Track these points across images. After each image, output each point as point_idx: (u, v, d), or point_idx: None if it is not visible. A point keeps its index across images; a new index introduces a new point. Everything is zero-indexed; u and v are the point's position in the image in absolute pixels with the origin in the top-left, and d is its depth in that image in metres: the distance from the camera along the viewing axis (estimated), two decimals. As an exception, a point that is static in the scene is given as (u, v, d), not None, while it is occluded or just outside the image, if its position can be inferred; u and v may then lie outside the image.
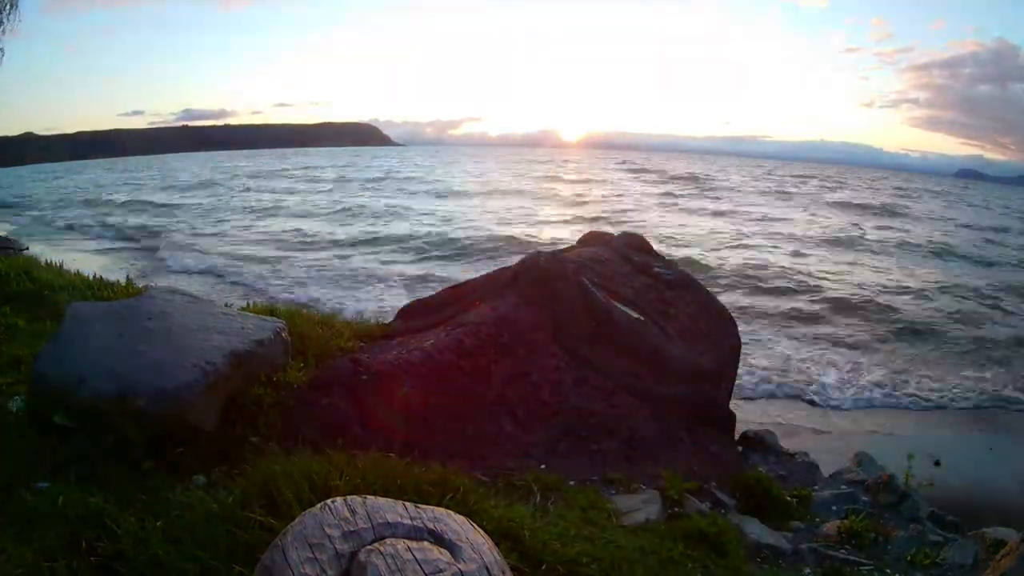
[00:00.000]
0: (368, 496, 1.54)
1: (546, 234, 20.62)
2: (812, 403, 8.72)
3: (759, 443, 5.55)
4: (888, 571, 3.57)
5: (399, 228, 22.00)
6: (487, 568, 1.41)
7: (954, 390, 9.37)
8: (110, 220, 25.17)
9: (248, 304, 5.23)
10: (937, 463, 6.17)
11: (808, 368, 9.90)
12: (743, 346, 5.98)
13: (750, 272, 16.39)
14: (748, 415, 7.02)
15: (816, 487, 4.85)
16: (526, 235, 20.38)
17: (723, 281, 15.30)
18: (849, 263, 18.84)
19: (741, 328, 6.12)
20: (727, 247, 20.20)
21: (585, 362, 4.73)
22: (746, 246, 20.51)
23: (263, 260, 17.17)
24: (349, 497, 1.52)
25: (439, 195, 33.05)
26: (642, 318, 5.27)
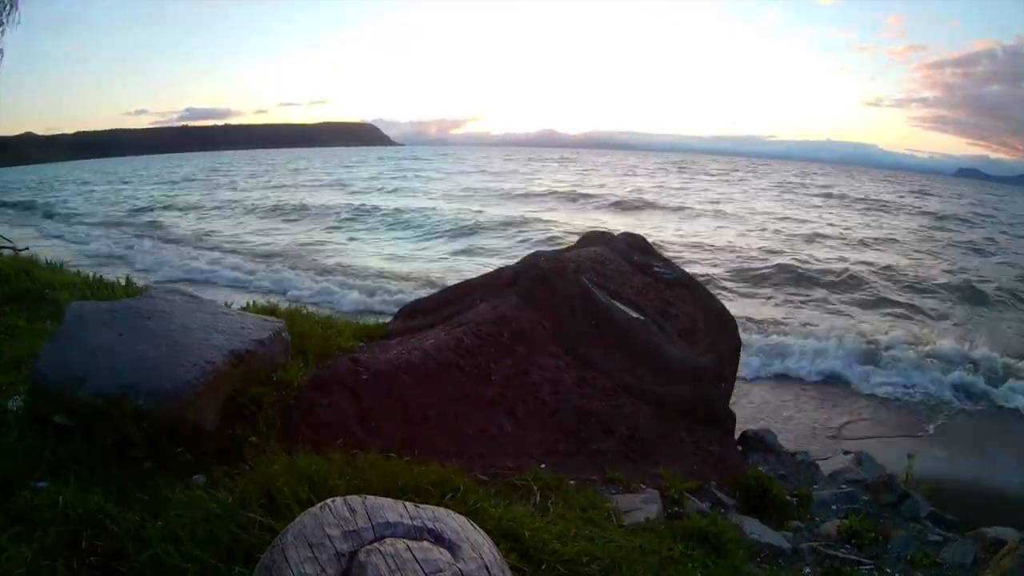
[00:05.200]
0: (368, 496, 1.54)
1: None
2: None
3: (759, 443, 5.55)
4: (888, 571, 3.56)
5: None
6: (487, 568, 1.40)
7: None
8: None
9: (248, 304, 5.25)
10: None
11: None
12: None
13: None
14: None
15: (816, 487, 4.85)
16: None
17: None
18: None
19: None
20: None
21: (585, 362, 4.73)
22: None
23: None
24: (349, 497, 1.52)
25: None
26: (642, 318, 5.27)
